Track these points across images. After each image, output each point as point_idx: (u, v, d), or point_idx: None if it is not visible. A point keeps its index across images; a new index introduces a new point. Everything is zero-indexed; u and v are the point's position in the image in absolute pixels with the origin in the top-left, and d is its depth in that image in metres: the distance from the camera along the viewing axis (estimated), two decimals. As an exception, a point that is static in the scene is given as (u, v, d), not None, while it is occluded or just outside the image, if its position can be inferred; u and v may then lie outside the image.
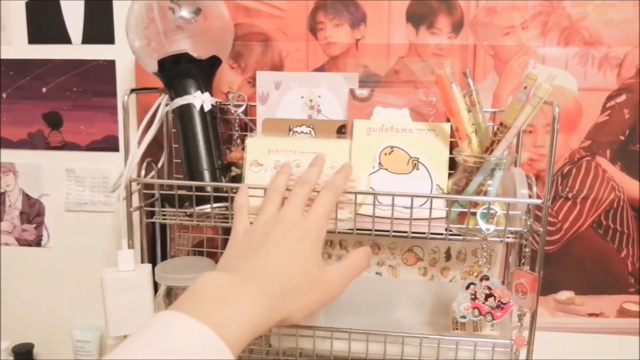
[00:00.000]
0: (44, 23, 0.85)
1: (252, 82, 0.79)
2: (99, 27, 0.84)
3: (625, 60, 0.77)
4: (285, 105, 0.74)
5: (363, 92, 0.72)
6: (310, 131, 0.74)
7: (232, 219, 0.68)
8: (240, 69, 0.81)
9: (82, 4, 0.84)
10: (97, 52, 0.85)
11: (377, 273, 0.79)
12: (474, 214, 0.63)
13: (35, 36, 0.86)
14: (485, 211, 0.62)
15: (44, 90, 0.88)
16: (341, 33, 0.79)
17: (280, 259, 0.48)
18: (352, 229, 0.66)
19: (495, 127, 0.64)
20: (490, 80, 0.78)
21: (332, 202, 0.56)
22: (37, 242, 0.94)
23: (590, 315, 0.84)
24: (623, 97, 0.78)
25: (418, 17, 0.78)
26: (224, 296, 0.42)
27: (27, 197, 0.92)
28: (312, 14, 0.79)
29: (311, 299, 0.49)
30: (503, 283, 0.77)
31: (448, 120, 0.68)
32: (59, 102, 0.88)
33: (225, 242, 0.84)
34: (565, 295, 0.84)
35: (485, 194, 0.65)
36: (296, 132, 0.74)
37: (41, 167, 0.91)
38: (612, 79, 0.77)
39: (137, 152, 0.69)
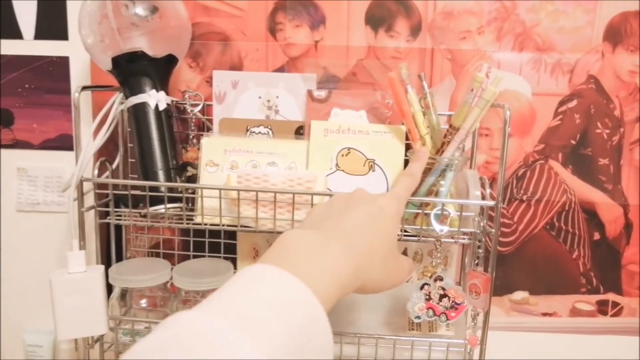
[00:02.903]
0: (-6, 17, 0.83)
1: (211, 81, 0.78)
2: (52, 23, 0.82)
3: (577, 67, 0.79)
4: (242, 105, 0.74)
5: (321, 94, 0.72)
6: (267, 132, 0.74)
7: (186, 219, 0.67)
8: (199, 68, 0.80)
9: (34, -1, 0.82)
10: (50, 48, 0.83)
11: (335, 274, 0.79)
12: (427, 214, 0.63)
13: (-15, 31, 0.83)
14: (439, 212, 0.63)
15: (-6, 86, 0.85)
16: (301, 34, 0.79)
17: (362, 221, 0.47)
18: (308, 230, 0.66)
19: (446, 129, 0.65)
20: (448, 84, 0.79)
21: (410, 186, 0.56)
22: (-13, 244, 0.90)
23: (544, 314, 0.86)
24: (574, 103, 0.80)
25: (377, 20, 0.78)
26: (313, 251, 0.41)
27: (-24, 197, 0.89)
28: (271, 15, 0.79)
29: (387, 271, 0.48)
30: (459, 284, 0.78)
31: (404, 123, 0.69)
32: (10, 99, 0.85)
33: (182, 243, 0.83)
34: (520, 295, 0.86)
35: (437, 194, 0.66)
36: (253, 132, 0.74)
37: (-9, 166, 0.88)
38: (564, 85, 0.80)
39: (88, 149, 0.67)
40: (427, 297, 0.65)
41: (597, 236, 0.83)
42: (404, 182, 0.56)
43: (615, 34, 0.78)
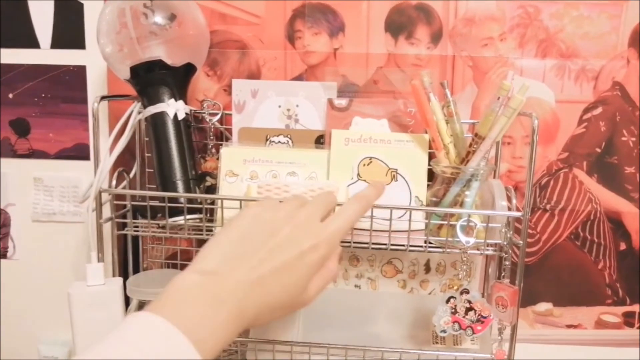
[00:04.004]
0: (11, 26, 0.82)
1: (229, 90, 0.78)
2: (69, 31, 0.81)
3: (602, 73, 0.77)
4: (262, 114, 0.72)
5: (342, 102, 0.71)
6: (287, 141, 0.72)
7: (206, 230, 0.66)
8: (217, 76, 0.79)
9: (51, 6, 0.81)
10: (67, 57, 0.82)
11: (355, 286, 0.78)
12: (452, 225, 0.62)
13: (2, 40, 0.83)
14: (465, 223, 0.62)
15: (10, 96, 0.84)
16: (319, 42, 0.78)
17: (279, 270, 0.43)
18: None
19: (471, 138, 0.64)
20: (469, 91, 0.78)
21: (357, 214, 0.50)
22: (3, 254, 0.90)
23: (569, 326, 0.84)
24: (599, 110, 0.78)
25: (397, 27, 0.77)
26: (203, 304, 0.40)
27: (-9, 207, 0.89)
28: (290, 22, 0.78)
29: (284, 313, 0.46)
30: (483, 295, 0.76)
31: (427, 131, 0.68)
32: (26, 108, 0.85)
33: (199, 254, 0.82)
34: (543, 307, 0.83)
35: (462, 205, 0.64)
36: (273, 142, 0.72)
37: (7, 176, 0.87)
38: (589, 92, 0.78)
39: (107, 162, 0.67)
40: (453, 310, 0.63)
41: (623, 246, 0.81)
42: (351, 210, 0.49)
43: (640, 40, 0.76)
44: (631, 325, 0.83)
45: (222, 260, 0.43)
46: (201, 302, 0.40)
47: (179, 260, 0.82)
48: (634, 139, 0.79)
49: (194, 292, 0.41)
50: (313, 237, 0.45)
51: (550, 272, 0.82)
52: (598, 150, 0.79)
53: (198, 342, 0.37)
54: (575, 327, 0.84)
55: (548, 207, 0.80)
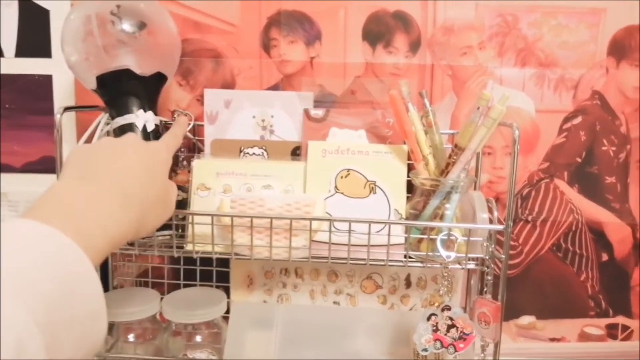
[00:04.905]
0: (-28, 34, 0.79)
1: (202, 100, 0.75)
2: (35, 39, 0.78)
3: (581, 82, 0.77)
4: (235, 125, 0.70)
5: (318, 113, 0.69)
6: (262, 153, 0.70)
7: (176, 247, 0.63)
8: (189, 86, 0.77)
9: (15, 13, 0.78)
10: (32, 66, 0.79)
11: (334, 302, 0.75)
12: (432, 239, 0.60)
13: (-37, 48, 0.79)
14: (445, 237, 0.60)
15: (-28, 107, 0.81)
16: (296, 51, 0.76)
17: (137, 169, 0.47)
18: (307, 257, 0.62)
19: (451, 149, 0.62)
20: (449, 101, 0.77)
21: (176, 143, 0.59)
22: (-36, 273, 0.85)
23: (552, 340, 0.82)
24: (579, 119, 0.77)
25: (374, 36, 0.75)
26: (86, 205, 0.40)
27: (-48, 224, 0.84)
28: (265, 30, 0.76)
29: (159, 214, 0.50)
30: (465, 309, 0.74)
31: (405, 142, 0.66)
32: (-11, 120, 0.81)
33: (172, 271, 0.79)
34: (526, 320, 0.82)
35: (442, 217, 0.62)
36: (247, 153, 0.70)
37: (-31, 191, 0.83)
38: (568, 101, 0.77)
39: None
40: (435, 328, 0.61)
41: (605, 257, 0.80)
42: (172, 136, 0.58)
43: (619, 49, 0.76)
44: (614, 337, 0.82)
45: (85, 169, 0.45)
46: (81, 201, 0.40)
47: (150, 277, 0.79)
48: (614, 148, 0.78)
49: (71, 192, 0.41)
50: (152, 144, 0.54)
51: (532, 285, 0.81)
52: (579, 160, 0.78)
53: (80, 237, 0.36)
54: (558, 340, 0.82)
55: (530, 218, 0.79)
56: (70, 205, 0.39)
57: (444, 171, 0.62)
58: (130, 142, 0.51)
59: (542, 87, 0.77)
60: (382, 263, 0.62)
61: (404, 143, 0.66)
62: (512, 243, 0.79)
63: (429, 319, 0.61)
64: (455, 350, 0.61)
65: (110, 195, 0.43)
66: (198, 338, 0.70)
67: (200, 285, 0.76)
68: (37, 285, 0.32)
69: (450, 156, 0.62)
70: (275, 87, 0.76)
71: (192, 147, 0.74)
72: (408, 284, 0.75)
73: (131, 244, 0.64)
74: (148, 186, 0.47)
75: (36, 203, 0.39)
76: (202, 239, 0.63)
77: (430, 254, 0.61)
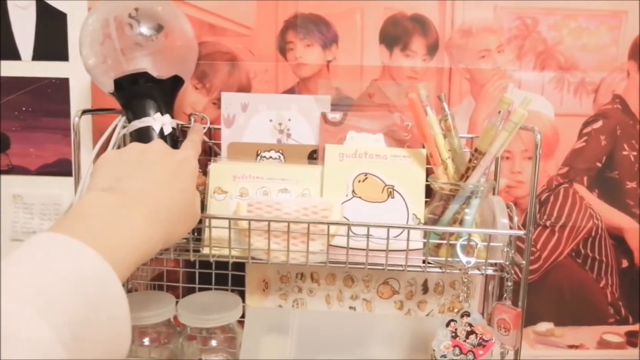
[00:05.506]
0: (-10, 37, 0.79)
1: (218, 103, 0.75)
2: (52, 42, 0.78)
3: (601, 86, 0.75)
4: (252, 128, 0.70)
5: (335, 116, 0.69)
6: (279, 156, 0.70)
7: (193, 250, 0.63)
8: (205, 89, 0.77)
9: (33, 17, 0.78)
10: (49, 69, 0.79)
11: (350, 307, 0.74)
12: (451, 244, 0.59)
13: (-19, 51, 0.79)
14: (465, 242, 0.59)
15: (-11, 109, 0.81)
16: (312, 54, 0.75)
17: (164, 181, 0.47)
18: (325, 262, 0.61)
19: (471, 153, 0.61)
20: (467, 105, 0.76)
21: (200, 142, 0.60)
22: (-20, 275, 0.85)
23: (570, 347, 0.81)
24: (599, 123, 0.76)
25: (392, 39, 0.75)
26: (112, 220, 0.40)
27: (-32, 226, 0.84)
28: (281, 33, 0.75)
29: (188, 225, 0.50)
30: (482, 314, 0.73)
31: (424, 146, 0.65)
32: (6, 122, 0.81)
33: (186, 275, 0.79)
34: (544, 326, 0.81)
35: (462, 223, 0.62)
36: (264, 157, 0.69)
37: (-15, 193, 0.83)
38: (589, 105, 0.76)
39: (88, 178, 0.63)
40: (454, 334, 0.60)
41: (625, 263, 0.79)
42: (192, 143, 0.58)
43: (640, 52, 0.75)
44: (634, 345, 0.81)
45: (115, 179, 0.45)
46: (108, 216, 0.40)
47: (165, 281, 0.79)
48: (635, 153, 0.77)
49: (98, 206, 0.41)
50: (179, 152, 0.53)
51: (551, 291, 0.79)
52: (599, 164, 0.77)
53: (111, 257, 0.35)
54: (577, 347, 0.81)
55: (548, 223, 0.78)
56: (99, 219, 0.39)
57: (464, 175, 0.61)
58: (159, 151, 0.50)
59: (561, 90, 0.76)
60: (401, 268, 0.62)
61: (423, 147, 0.66)
62: (531, 249, 0.78)
63: (448, 325, 0.60)
64: (475, 357, 0.60)
65: (139, 208, 0.42)
66: (213, 342, 0.69)
67: (216, 289, 0.75)
68: (65, 304, 0.31)
69: (470, 160, 0.61)
70: (291, 91, 0.76)
71: (208, 150, 0.74)
72: (425, 289, 0.74)
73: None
74: (178, 196, 0.47)
75: (65, 216, 0.39)
76: (218, 242, 0.62)
77: (449, 259, 0.61)
